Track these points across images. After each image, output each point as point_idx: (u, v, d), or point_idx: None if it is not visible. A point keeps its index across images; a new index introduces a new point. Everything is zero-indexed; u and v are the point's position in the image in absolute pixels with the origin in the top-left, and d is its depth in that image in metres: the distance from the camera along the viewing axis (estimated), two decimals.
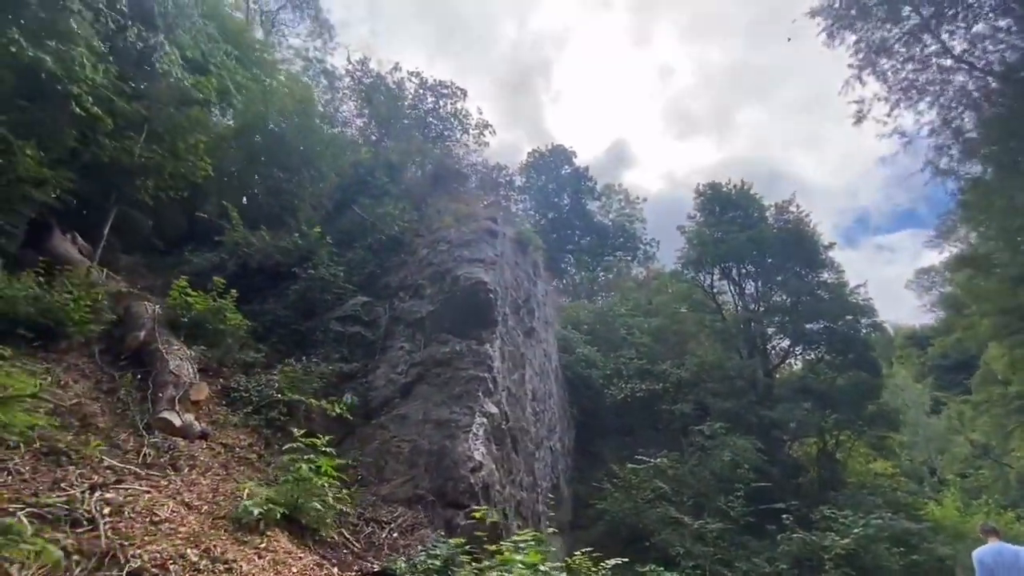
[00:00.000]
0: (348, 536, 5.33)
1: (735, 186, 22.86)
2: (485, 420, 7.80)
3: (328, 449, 5.34)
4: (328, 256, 10.29)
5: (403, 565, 4.56)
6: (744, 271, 21.92)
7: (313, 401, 6.98)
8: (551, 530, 11.59)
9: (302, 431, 6.54)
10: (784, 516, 12.59)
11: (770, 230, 21.36)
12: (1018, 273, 16.89)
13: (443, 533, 5.97)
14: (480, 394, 8.12)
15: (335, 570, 4.42)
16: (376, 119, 19.46)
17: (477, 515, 5.90)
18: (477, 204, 13.72)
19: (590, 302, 28.01)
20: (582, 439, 18.23)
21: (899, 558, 11.63)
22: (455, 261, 10.14)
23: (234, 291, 8.00)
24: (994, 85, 13.29)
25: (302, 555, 4.31)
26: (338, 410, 7.25)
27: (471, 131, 22.85)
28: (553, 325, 16.50)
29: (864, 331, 19.93)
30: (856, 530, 11.20)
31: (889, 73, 13.86)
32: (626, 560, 12.09)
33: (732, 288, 21.97)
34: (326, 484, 4.99)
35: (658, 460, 14.05)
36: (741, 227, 21.41)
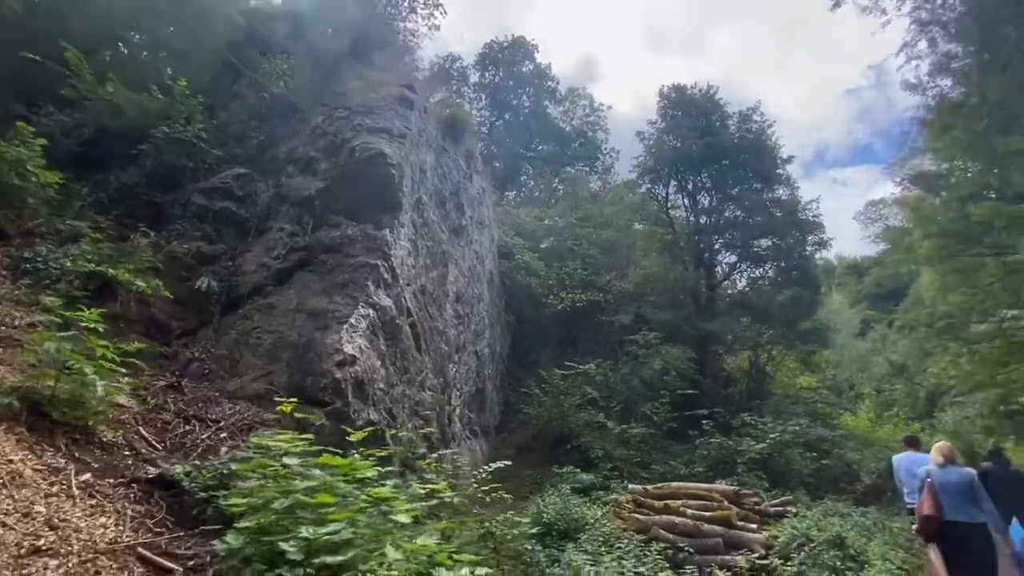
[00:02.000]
0: (145, 435, 4.25)
1: (700, 90, 21.18)
2: (372, 312, 6.67)
3: (99, 326, 4.05)
4: (201, 116, 8.38)
5: (180, 470, 3.50)
6: (700, 183, 20.91)
7: (141, 282, 5.59)
8: (464, 432, 11.11)
9: (124, 315, 5.22)
10: (704, 422, 12.58)
11: (731, 139, 20.14)
12: (968, 191, 16.57)
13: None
14: (369, 283, 6.91)
15: (87, 476, 3.32)
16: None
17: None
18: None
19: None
20: (519, 347, 17.76)
21: (810, 462, 11.92)
22: (354, 130, 8.44)
23: (42, 142, 6.20)
24: None
25: (32, 458, 3.19)
26: (165, 292, 5.89)
27: (419, 9, 19.55)
28: (491, 227, 15.22)
29: (810, 248, 19.66)
30: (772, 435, 11.26)
31: None
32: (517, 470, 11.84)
33: (686, 201, 21.05)
34: (94, 370, 3.78)
35: (586, 366, 13.61)
36: (702, 133, 20.06)
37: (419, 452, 7.25)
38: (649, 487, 8.34)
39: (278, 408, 5.17)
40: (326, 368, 5.51)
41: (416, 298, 8.57)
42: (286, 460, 3.20)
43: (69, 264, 5.40)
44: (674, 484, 8.81)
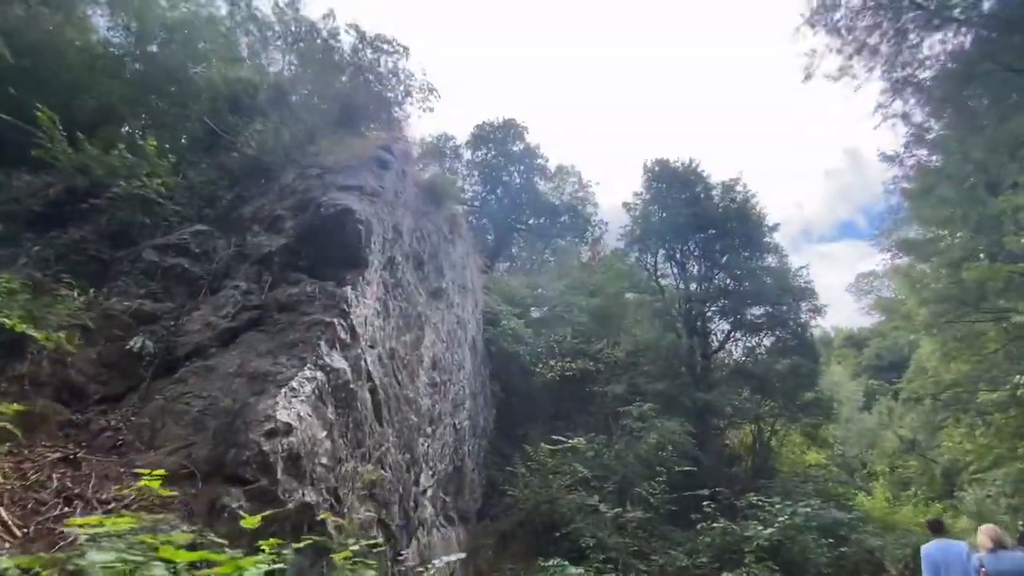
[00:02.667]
0: (4, 519, 3.42)
1: (683, 163, 21.74)
2: (320, 375, 5.96)
3: None
4: (164, 174, 8.14)
5: (11, 565, 2.68)
6: (688, 251, 20.86)
7: (48, 339, 4.93)
8: (438, 519, 9.91)
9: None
10: (705, 503, 11.36)
11: (715, 208, 20.37)
12: (959, 255, 16.41)
13: (196, 519, 4.14)
14: (322, 343, 6.26)
15: None
16: (305, 71, 16.93)
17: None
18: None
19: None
20: (506, 421, 16.64)
21: (827, 550, 10.61)
22: (323, 188, 8.19)
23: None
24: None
25: None
26: (75, 351, 5.20)
27: (414, 93, 20.36)
28: (475, 293, 14.76)
29: (805, 316, 19.21)
30: (781, 518, 10.06)
31: (843, 29, 12.73)
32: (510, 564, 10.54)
33: (675, 269, 20.88)
34: None
35: (575, 440, 12.58)
36: (687, 204, 20.31)
37: (369, 543, 6.22)
38: None
39: (209, 490, 4.39)
40: (252, 438, 4.72)
41: (381, 362, 7.87)
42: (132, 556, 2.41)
43: None
44: None
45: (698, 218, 19.44)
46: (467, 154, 32.85)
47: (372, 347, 7.71)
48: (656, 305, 20.42)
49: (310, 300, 6.98)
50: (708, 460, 16.67)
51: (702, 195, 20.53)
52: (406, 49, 19.26)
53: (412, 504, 8.18)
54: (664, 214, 20.95)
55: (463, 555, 5.90)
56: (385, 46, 20.13)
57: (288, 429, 5.03)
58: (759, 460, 17.44)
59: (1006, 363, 17.76)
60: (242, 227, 8.39)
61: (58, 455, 4.41)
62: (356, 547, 5.80)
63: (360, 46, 19.68)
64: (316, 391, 5.81)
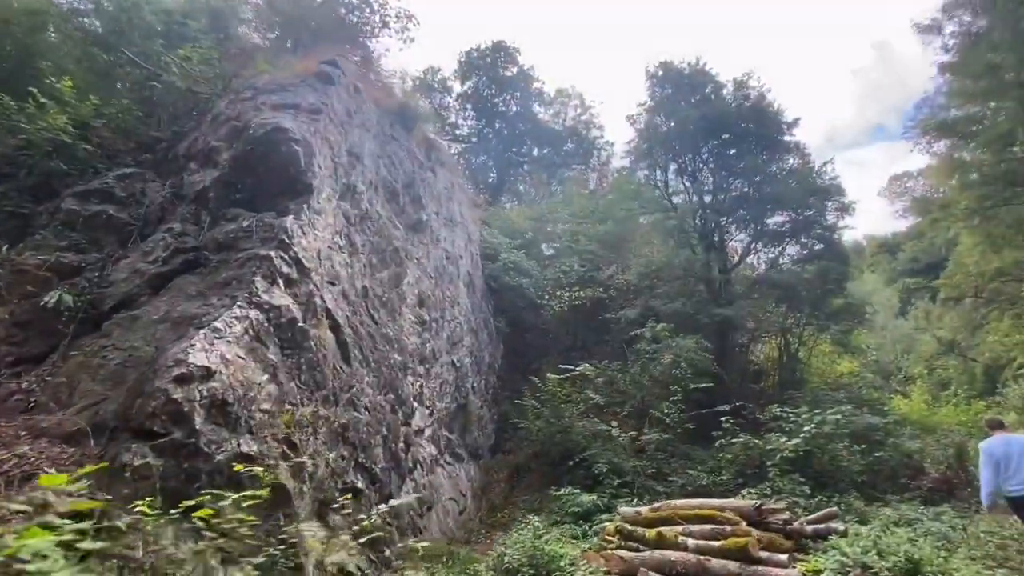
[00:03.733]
0: None
1: (689, 64, 19.58)
2: (255, 313, 5.24)
3: None
4: (86, 115, 7.24)
5: None
6: (700, 161, 19.17)
7: None
8: (443, 457, 9.53)
9: None
10: (724, 419, 10.68)
11: (728, 109, 18.42)
12: (1006, 129, 14.50)
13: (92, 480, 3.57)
14: (257, 279, 5.51)
15: None
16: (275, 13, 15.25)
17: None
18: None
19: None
20: (518, 356, 16.13)
21: (860, 457, 9.89)
22: (256, 110, 7.19)
23: None
24: None
25: None
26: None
27: (391, 24, 18.40)
28: (467, 226, 13.80)
29: (832, 216, 17.65)
30: (808, 427, 9.29)
31: None
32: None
33: (687, 182, 19.32)
34: None
35: (582, 367, 11.92)
36: (696, 108, 18.42)
37: (340, 487, 5.72)
38: (644, 509, 6.47)
39: (118, 447, 3.79)
40: (158, 387, 4.08)
41: (347, 300, 7.13)
42: None
43: None
44: (676, 502, 6.85)
45: (709, 122, 17.62)
46: (457, 86, 30.75)
47: (333, 284, 6.96)
48: (668, 223, 19.09)
49: (247, 235, 6.20)
50: (731, 377, 15.96)
51: (712, 96, 18.55)
52: None
53: (402, 445, 7.68)
54: (672, 123, 19.13)
55: (412, 498, 5.29)
56: None
57: (207, 373, 4.36)
58: (786, 373, 16.61)
59: None
60: (179, 166, 7.53)
61: None
62: (322, 494, 5.28)
63: None
64: (250, 331, 5.10)
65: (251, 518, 3.89)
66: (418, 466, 8.31)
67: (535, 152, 33.02)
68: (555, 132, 32.30)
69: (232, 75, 8.77)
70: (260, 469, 4.37)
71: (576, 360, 13.86)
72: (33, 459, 3.63)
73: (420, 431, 8.84)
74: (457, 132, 30.60)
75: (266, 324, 5.34)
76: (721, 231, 18.88)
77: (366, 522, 4.65)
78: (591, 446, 11.21)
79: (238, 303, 5.18)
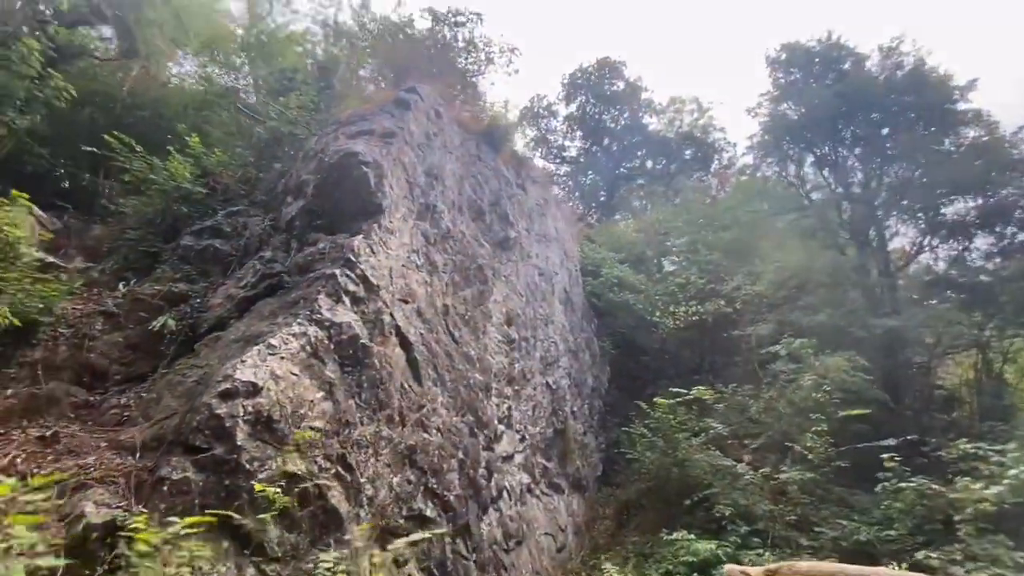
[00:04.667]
0: None
1: (819, 40, 17.07)
2: (314, 330, 5.23)
3: None
4: (209, 164, 8.30)
5: None
6: (841, 147, 16.39)
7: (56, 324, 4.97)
8: (538, 487, 8.84)
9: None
10: (887, 456, 8.38)
11: (873, 83, 15.56)
12: None
13: (128, 492, 3.63)
14: (320, 297, 5.55)
15: None
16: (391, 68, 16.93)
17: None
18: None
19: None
20: (626, 378, 14.87)
21: None
22: (335, 140, 7.55)
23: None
24: None
25: None
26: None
27: (496, 59, 19.14)
28: (563, 242, 13.25)
29: None
30: (1017, 471, 6.78)
31: None
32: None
33: (825, 174, 16.62)
34: None
35: (698, 391, 10.42)
36: (831, 88, 15.89)
37: (406, 515, 5.39)
38: (754, 570, 4.96)
39: (165, 460, 3.93)
40: (203, 402, 4.14)
41: (421, 317, 6.99)
42: None
43: None
44: (802, 565, 5.05)
45: (849, 102, 15.01)
46: (562, 109, 30.74)
47: (406, 302, 6.86)
48: (806, 222, 16.52)
49: (322, 257, 6.37)
50: (905, 404, 12.88)
51: (851, 72, 15.83)
52: (479, 16, 18.05)
53: (483, 471, 7.20)
54: (802, 108, 16.72)
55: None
56: (459, 18, 19.29)
57: (253, 389, 4.35)
58: (986, 400, 12.94)
59: None
60: (279, 201, 8.19)
61: (38, 433, 4.30)
62: (384, 521, 5.01)
63: (437, 27, 19.17)
64: (307, 347, 5.09)
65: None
66: (505, 495, 7.74)
67: (648, 164, 31.54)
68: (669, 141, 30.55)
69: (327, 115, 9.47)
70: (308, 486, 4.21)
71: (697, 384, 12.25)
72: (92, 469, 3.85)
73: (508, 457, 8.29)
74: (564, 154, 30.49)
75: (326, 341, 5.32)
76: (879, 226, 15.74)
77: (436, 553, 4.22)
78: (714, 483, 9.65)
79: (297, 320, 5.23)
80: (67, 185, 9.26)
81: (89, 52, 12.06)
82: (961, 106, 15.12)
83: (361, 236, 6.47)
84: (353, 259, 6.11)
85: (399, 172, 7.52)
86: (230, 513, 3.82)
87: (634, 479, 11.24)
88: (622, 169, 30.83)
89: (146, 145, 8.41)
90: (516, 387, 9.10)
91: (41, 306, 5.38)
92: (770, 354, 12.58)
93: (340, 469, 4.89)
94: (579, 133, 30.51)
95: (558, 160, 30.42)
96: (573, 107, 29.77)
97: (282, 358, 4.77)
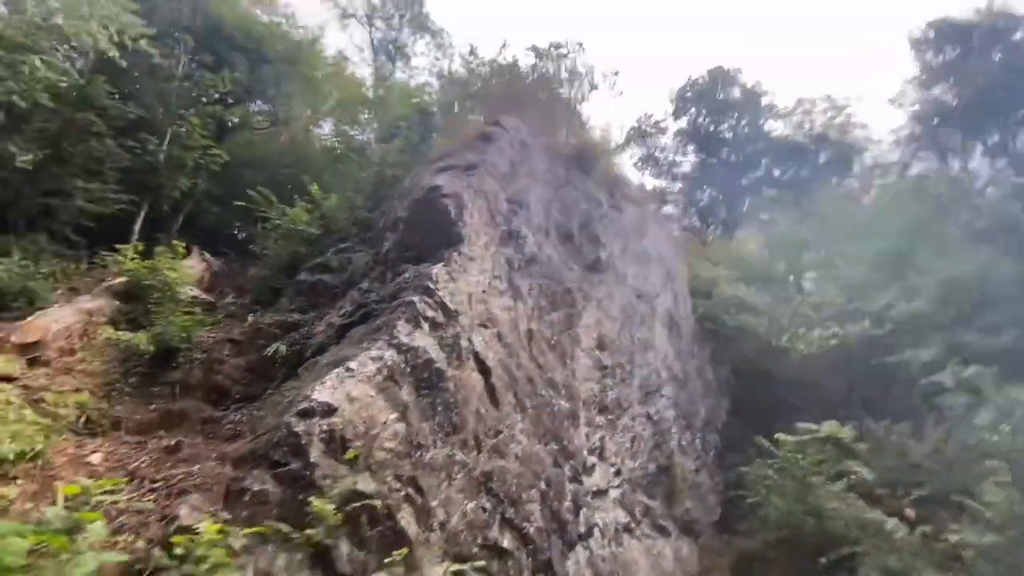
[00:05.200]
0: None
1: (978, 10, 14.40)
2: (392, 354, 5.47)
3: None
4: (330, 211, 9.44)
5: None
6: (1019, 132, 13.43)
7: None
8: (640, 527, 8.19)
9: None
10: None
11: None
12: None
13: (222, 499, 4.02)
14: (399, 323, 5.83)
15: None
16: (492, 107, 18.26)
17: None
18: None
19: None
20: (750, 412, 13.26)
21: None
22: (423, 176, 8.03)
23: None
24: None
25: None
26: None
27: (600, 85, 19.49)
28: (666, 262, 12.50)
29: None
30: None
31: None
32: None
33: (996, 163, 13.67)
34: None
35: (828, 427, 8.93)
36: (998, 62, 13.23)
37: (480, 544, 5.31)
38: None
39: (248, 473, 4.40)
40: (284, 420, 4.51)
41: (501, 342, 6.99)
42: None
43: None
44: None
45: (1013, 71, 12.29)
46: (672, 124, 29.57)
47: (486, 327, 6.95)
48: (979, 223, 13.68)
49: (407, 286, 6.74)
50: None
51: (1019, 37, 13.01)
52: (580, 45, 18.46)
53: (569, 504, 6.86)
54: (961, 90, 14.13)
55: None
56: (561, 50, 19.88)
57: (328, 409, 4.66)
58: None
59: None
60: (381, 237, 8.92)
61: (167, 443, 5.04)
62: (457, 548, 5.00)
63: (540, 63, 19.96)
64: (384, 370, 5.35)
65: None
66: (596, 532, 7.26)
67: (775, 173, 28.80)
68: (799, 146, 27.68)
69: (427, 156, 10.21)
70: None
71: (845, 419, 10.51)
72: (196, 477, 4.40)
73: (602, 492, 7.80)
74: (675, 170, 29.17)
75: (402, 365, 5.55)
76: None
77: None
78: (862, 541, 8.08)
79: (376, 345, 5.55)
80: (236, 234, 11.17)
81: (251, 124, 14.57)
82: None
83: (441, 264, 6.73)
84: (432, 286, 6.36)
85: (480, 201, 7.75)
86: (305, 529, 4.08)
87: (759, 527, 9.86)
88: (743, 181, 28.56)
89: (288, 197, 9.87)
90: (610, 416, 8.62)
91: (183, 335, 6.43)
92: (935, 385, 10.40)
93: (411, 491, 4.99)
94: (691, 147, 29.08)
95: (669, 177, 29.21)
96: (683, 121, 28.57)
97: (359, 380, 5.07)
